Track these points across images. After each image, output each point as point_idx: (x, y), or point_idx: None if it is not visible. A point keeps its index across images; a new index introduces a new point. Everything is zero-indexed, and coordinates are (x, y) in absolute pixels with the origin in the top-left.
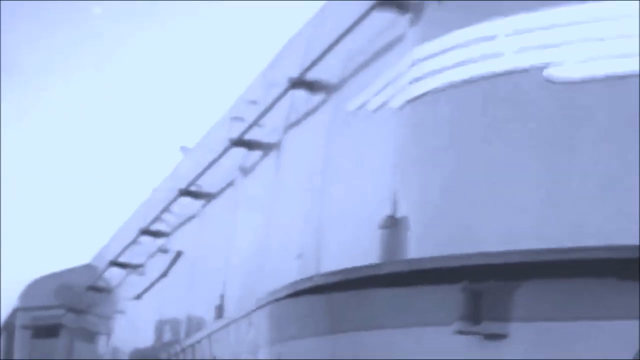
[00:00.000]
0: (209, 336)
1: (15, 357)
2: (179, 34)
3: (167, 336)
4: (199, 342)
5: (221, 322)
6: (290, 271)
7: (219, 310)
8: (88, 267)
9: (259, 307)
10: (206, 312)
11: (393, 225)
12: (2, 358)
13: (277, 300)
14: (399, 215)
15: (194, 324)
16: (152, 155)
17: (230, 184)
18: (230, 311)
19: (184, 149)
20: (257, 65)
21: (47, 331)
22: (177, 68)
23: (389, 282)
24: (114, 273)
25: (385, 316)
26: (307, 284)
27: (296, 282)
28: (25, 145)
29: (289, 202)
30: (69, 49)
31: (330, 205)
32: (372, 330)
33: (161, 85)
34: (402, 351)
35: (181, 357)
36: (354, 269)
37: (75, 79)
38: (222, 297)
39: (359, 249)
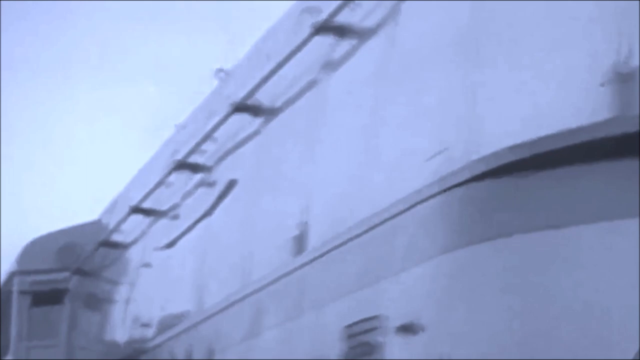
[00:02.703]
0: (291, 273)
1: (12, 327)
2: None
3: (216, 284)
4: (274, 282)
5: (312, 254)
6: (421, 175)
7: (299, 243)
8: (96, 224)
9: (402, 212)
10: (277, 248)
11: (624, 78)
12: None
13: (443, 191)
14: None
15: (258, 264)
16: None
17: (307, 88)
18: (315, 242)
19: (219, 72)
20: None
21: (48, 297)
22: None
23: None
24: (134, 223)
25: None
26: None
27: (485, 159)
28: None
29: (409, 89)
30: None
31: (494, 73)
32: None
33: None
34: None
35: (244, 306)
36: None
37: None
38: (303, 225)
39: (554, 120)
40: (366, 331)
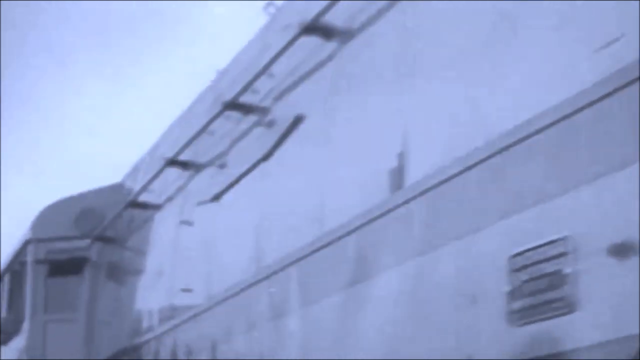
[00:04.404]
0: (404, 204)
1: (26, 299)
2: None
3: (281, 234)
4: (381, 217)
5: (444, 173)
6: (584, 74)
7: (398, 176)
8: (118, 187)
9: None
10: (368, 184)
11: None
12: (8, 301)
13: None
14: None
15: (340, 206)
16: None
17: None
18: (416, 175)
19: (269, 6)
20: None
21: (66, 267)
22: None
23: None
24: (167, 182)
25: None
26: None
27: None
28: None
29: None
30: None
31: None
32: None
33: None
34: None
35: (336, 251)
36: None
37: None
38: (401, 156)
39: None
40: (547, 259)
